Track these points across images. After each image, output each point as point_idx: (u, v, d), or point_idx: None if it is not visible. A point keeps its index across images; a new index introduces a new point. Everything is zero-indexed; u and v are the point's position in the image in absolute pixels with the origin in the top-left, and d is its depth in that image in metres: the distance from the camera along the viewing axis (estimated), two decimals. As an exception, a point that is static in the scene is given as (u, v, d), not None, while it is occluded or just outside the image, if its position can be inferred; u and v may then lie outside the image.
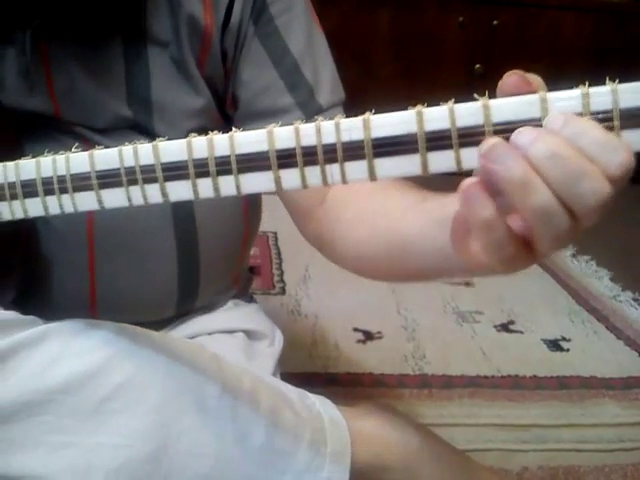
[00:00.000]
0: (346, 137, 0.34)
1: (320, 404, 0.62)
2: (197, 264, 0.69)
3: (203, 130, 0.64)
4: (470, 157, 0.32)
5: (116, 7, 0.60)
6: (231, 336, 0.74)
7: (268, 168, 0.36)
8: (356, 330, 1.21)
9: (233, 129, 0.37)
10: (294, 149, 0.35)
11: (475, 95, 0.32)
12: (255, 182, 0.37)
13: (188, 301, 0.72)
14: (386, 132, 0.33)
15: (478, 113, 0.32)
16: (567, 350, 1.21)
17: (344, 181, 0.35)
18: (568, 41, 2.32)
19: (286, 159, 0.35)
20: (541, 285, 1.49)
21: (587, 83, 0.31)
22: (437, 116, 0.33)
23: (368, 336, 1.20)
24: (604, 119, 0.31)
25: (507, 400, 1.03)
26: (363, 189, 0.57)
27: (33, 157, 0.44)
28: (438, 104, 0.33)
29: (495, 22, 2.26)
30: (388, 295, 1.36)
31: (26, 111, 0.61)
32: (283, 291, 1.37)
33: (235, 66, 0.63)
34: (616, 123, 0.30)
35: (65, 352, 0.51)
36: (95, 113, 0.62)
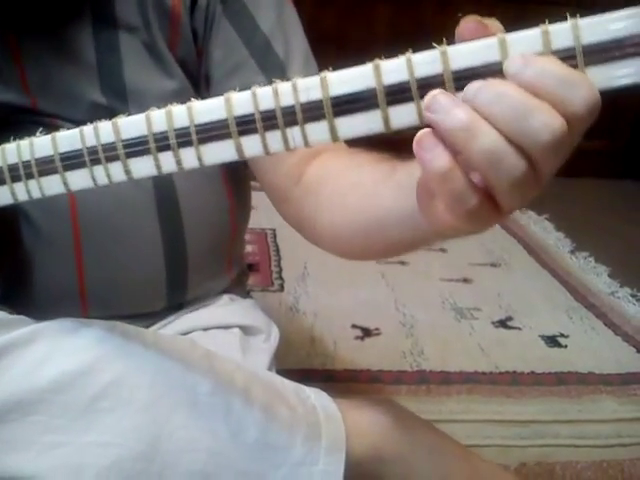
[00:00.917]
0: (304, 97, 0.33)
1: (316, 397, 0.62)
2: (184, 248, 0.69)
3: None
4: None
5: None
6: (227, 332, 0.74)
7: (228, 136, 0.35)
8: (354, 327, 1.21)
9: (192, 99, 0.36)
10: (253, 114, 0.34)
11: (433, 43, 0.32)
12: (217, 152, 0.36)
13: (178, 290, 0.72)
14: (345, 89, 0.32)
15: (436, 61, 0.31)
16: (565, 346, 1.21)
17: (306, 144, 0.34)
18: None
19: (246, 125, 0.34)
20: (539, 281, 1.50)
21: (547, 21, 0.30)
22: (395, 68, 0.32)
23: (366, 333, 1.20)
24: (567, 57, 0.30)
25: (505, 396, 1.04)
26: (337, 167, 0.57)
27: None
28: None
29: (494, 18, 2.26)
30: (386, 292, 1.36)
31: (2, 104, 0.61)
32: (282, 288, 1.36)
33: (205, 46, 0.63)
34: (579, 60, 0.29)
35: (55, 351, 0.51)
36: (70, 103, 0.62)
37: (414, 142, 0.33)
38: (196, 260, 0.71)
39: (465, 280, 1.47)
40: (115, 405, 0.51)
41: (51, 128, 0.61)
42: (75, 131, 0.40)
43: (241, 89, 0.61)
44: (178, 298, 0.73)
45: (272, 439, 0.55)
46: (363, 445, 0.60)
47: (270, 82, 0.62)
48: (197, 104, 0.35)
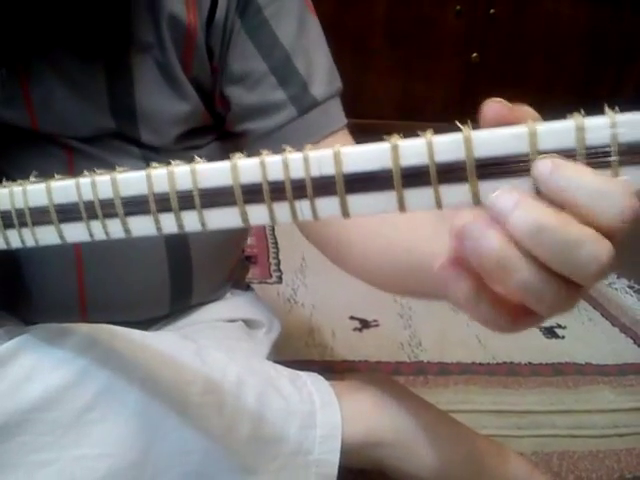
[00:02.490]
0: (316, 172, 0.31)
1: (312, 383, 0.62)
2: (188, 256, 0.68)
3: (190, 133, 0.62)
4: (450, 194, 0.29)
5: (100, 18, 0.57)
6: (231, 324, 0.75)
7: (233, 204, 0.33)
8: (352, 318, 1.22)
9: (196, 158, 0.34)
10: (260, 184, 0.32)
11: (457, 123, 0.29)
12: (221, 218, 0.34)
13: (182, 299, 0.72)
14: (359, 167, 0.30)
15: (459, 148, 0.29)
16: (562, 337, 1.22)
17: (315, 218, 0.32)
18: (565, 30, 2.31)
19: (252, 194, 0.33)
20: (537, 273, 1.50)
21: (582, 111, 0.27)
22: (414, 152, 0.29)
23: (364, 324, 1.20)
24: (601, 154, 0.27)
25: (502, 387, 1.04)
26: None
27: None
28: (420, 133, 0.29)
29: (492, 11, 2.26)
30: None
31: (3, 122, 0.59)
32: (280, 280, 1.37)
33: (223, 63, 0.60)
34: (614, 159, 0.27)
35: (37, 367, 0.50)
36: (75, 125, 0.60)
37: (436, 269, 0.31)
38: (201, 269, 0.70)
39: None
40: (105, 415, 0.50)
41: (56, 144, 0.59)
42: (71, 182, 0.37)
43: (261, 105, 0.60)
44: (181, 305, 0.73)
45: (266, 432, 0.55)
46: (359, 429, 0.60)
47: (290, 98, 0.60)
48: (201, 167, 0.33)
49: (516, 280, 0.28)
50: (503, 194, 0.28)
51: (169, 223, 0.35)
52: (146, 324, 0.68)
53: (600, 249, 0.28)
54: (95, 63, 0.58)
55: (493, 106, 0.30)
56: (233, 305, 0.78)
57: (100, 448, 0.49)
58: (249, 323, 0.77)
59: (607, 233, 0.28)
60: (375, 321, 1.22)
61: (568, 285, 0.29)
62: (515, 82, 2.27)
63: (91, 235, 0.38)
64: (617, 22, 2.30)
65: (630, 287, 1.44)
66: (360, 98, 2.17)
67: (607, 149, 0.27)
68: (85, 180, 0.37)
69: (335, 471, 0.57)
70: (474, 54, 2.30)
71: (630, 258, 1.56)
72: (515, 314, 0.31)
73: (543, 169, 0.27)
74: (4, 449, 0.47)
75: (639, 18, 2.29)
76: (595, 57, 2.33)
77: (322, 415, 0.58)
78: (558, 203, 0.28)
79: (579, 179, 0.27)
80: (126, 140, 0.61)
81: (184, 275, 0.69)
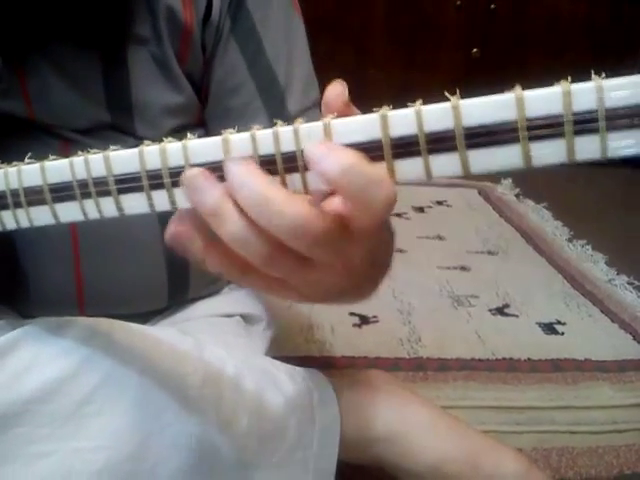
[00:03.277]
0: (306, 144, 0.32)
1: (310, 378, 0.62)
2: None
3: (185, 128, 0.63)
4: (440, 164, 0.30)
5: (96, 10, 0.57)
6: (229, 319, 0.75)
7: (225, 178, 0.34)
8: (352, 314, 1.21)
9: (188, 135, 0.34)
10: (252, 158, 0.33)
11: (446, 93, 0.30)
12: None
13: (179, 293, 0.71)
14: (348, 139, 0.31)
15: (447, 116, 0.29)
16: (562, 333, 1.22)
17: (306, 191, 0.32)
18: (565, 24, 2.31)
19: None
20: (536, 269, 1.50)
21: (569, 78, 0.28)
22: (403, 122, 0.30)
23: (364, 320, 1.20)
24: (588, 120, 0.27)
25: (502, 383, 1.04)
26: None
27: None
28: (432, 96, 0.30)
29: (492, 6, 2.25)
30: (384, 279, 1.35)
31: (1, 112, 0.59)
32: (279, 275, 1.37)
33: (210, 61, 0.61)
34: (601, 124, 0.27)
35: (36, 359, 0.50)
36: (72, 117, 0.60)
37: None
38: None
39: (462, 268, 1.47)
40: (102, 408, 0.50)
41: (52, 135, 0.60)
42: (65, 162, 0.38)
43: (237, 109, 0.61)
44: (179, 299, 0.73)
45: (265, 426, 0.55)
46: (357, 424, 0.60)
47: (267, 106, 0.61)
48: (193, 143, 0.34)
49: (227, 229, 0.32)
50: (231, 163, 0.32)
51: (161, 201, 0.35)
52: (144, 318, 0.68)
53: (288, 208, 0.30)
54: (91, 56, 0.58)
55: (337, 87, 0.33)
56: (231, 300, 0.78)
57: (98, 440, 0.49)
58: (247, 318, 0.77)
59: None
60: (374, 317, 1.21)
61: (276, 245, 0.32)
62: (515, 77, 2.25)
63: (85, 214, 0.38)
64: (616, 16, 2.30)
65: (630, 283, 1.44)
66: (360, 93, 2.16)
67: (594, 115, 0.27)
68: (78, 159, 0.37)
69: (334, 466, 0.58)
70: (474, 49, 2.30)
71: (630, 255, 1.57)
72: (243, 266, 0.34)
73: (317, 150, 0.30)
74: (2, 440, 0.48)
75: (638, 12, 2.29)
76: (595, 51, 2.32)
77: (320, 410, 0.58)
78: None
79: (353, 164, 0.29)
80: (121, 132, 0.61)
81: (181, 268, 0.69)
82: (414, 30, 2.26)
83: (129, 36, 0.58)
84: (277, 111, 0.62)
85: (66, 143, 0.60)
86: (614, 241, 1.64)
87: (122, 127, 0.61)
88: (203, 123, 0.66)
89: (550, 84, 0.28)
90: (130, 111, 0.61)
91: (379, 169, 0.30)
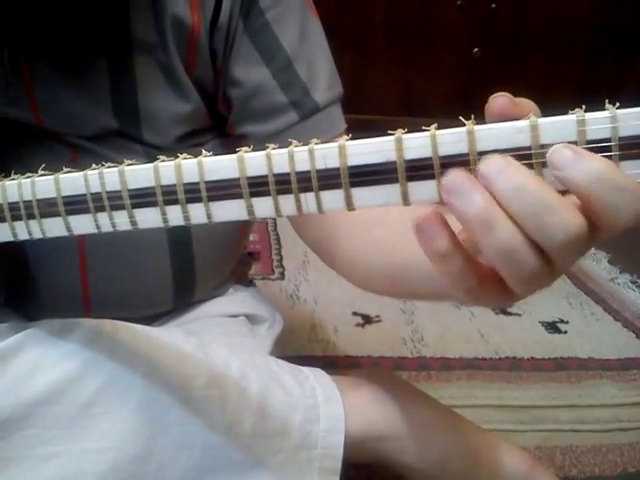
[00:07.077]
0: (321, 165, 0.32)
1: (314, 377, 0.62)
2: (191, 256, 0.68)
3: (192, 134, 0.63)
4: None
5: (100, 18, 0.57)
6: (234, 319, 0.75)
7: (239, 196, 0.34)
8: (355, 314, 1.22)
9: (203, 152, 0.34)
10: (266, 177, 0.33)
11: (461, 118, 0.30)
12: (227, 210, 0.34)
13: (185, 295, 0.72)
14: (363, 160, 0.31)
15: (462, 141, 0.29)
16: (565, 332, 1.22)
17: (320, 210, 0.32)
18: (566, 24, 2.31)
19: (258, 187, 0.33)
20: (539, 268, 1.50)
21: (583, 107, 0.28)
22: (418, 144, 0.30)
23: (367, 320, 1.21)
24: (602, 149, 0.27)
25: (505, 382, 1.04)
26: None
27: None
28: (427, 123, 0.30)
29: (493, 5, 2.25)
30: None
31: (7, 120, 0.59)
32: (282, 276, 1.37)
33: (225, 65, 0.61)
34: (615, 153, 0.27)
35: (41, 362, 0.50)
36: (79, 124, 0.60)
37: (413, 225, 0.31)
38: (203, 265, 0.70)
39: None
40: (108, 409, 0.50)
41: (60, 142, 0.60)
42: (79, 175, 0.38)
43: (262, 109, 0.61)
44: (184, 301, 0.73)
45: (269, 426, 0.55)
46: (362, 423, 0.60)
47: (293, 102, 0.61)
48: (208, 160, 0.34)
49: (497, 238, 0.29)
50: (493, 158, 0.29)
51: (175, 215, 0.36)
52: (149, 320, 0.69)
53: (570, 219, 0.28)
54: (98, 64, 0.58)
55: (499, 100, 0.30)
56: (236, 301, 0.78)
57: (104, 441, 0.50)
58: (251, 318, 0.77)
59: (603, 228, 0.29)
60: (377, 317, 1.22)
61: (542, 256, 0.29)
62: (516, 77, 2.26)
63: (98, 227, 0.39)
64: (618, 17, 2.30)
65: (633, 282, 1.44)
66: (361, 94, 2.17)
67: (608, 143, 0.27)
68: (93, 172, 0.37)
69: (339, 465, 0.58)
70: (475, 49, 2.29)
71: (632, 253, 1.57)
72: (484, 278, 0.32)
73: (560, 156, 0.28)
74: (10, 442, 0.48)
75: (639, 12, 2.28)
76: (596, 52, 2.32)
77: (325, 409, 0.59)
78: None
79: (600, 169, 0.27)
80: (129, 139, 0.61)
81: (187, 271, 0.69)
82: (415, 30, 2.26)
83: (135, 44, 0.58)
84: (302, 106, 0.61)
85: (74, 149, 0.61)
86: (617, 239, 1.63)
87: (129, 134, 0.61)
88: (211, 128, 0.65)
89: (564, 109, 0.29)
90: (137, 118, 0.60)
91: (628, 177, 0.27)
